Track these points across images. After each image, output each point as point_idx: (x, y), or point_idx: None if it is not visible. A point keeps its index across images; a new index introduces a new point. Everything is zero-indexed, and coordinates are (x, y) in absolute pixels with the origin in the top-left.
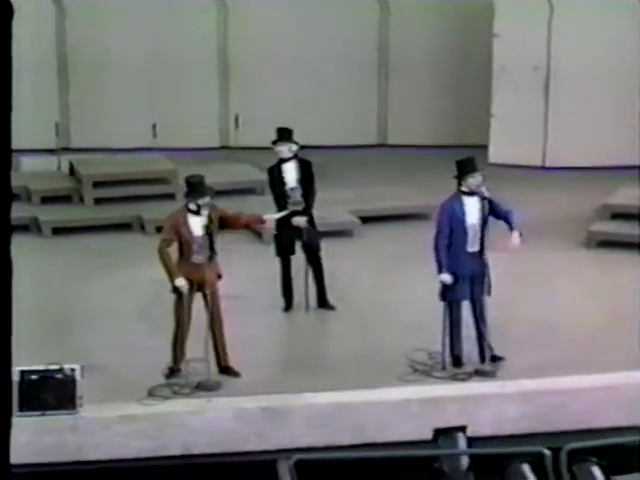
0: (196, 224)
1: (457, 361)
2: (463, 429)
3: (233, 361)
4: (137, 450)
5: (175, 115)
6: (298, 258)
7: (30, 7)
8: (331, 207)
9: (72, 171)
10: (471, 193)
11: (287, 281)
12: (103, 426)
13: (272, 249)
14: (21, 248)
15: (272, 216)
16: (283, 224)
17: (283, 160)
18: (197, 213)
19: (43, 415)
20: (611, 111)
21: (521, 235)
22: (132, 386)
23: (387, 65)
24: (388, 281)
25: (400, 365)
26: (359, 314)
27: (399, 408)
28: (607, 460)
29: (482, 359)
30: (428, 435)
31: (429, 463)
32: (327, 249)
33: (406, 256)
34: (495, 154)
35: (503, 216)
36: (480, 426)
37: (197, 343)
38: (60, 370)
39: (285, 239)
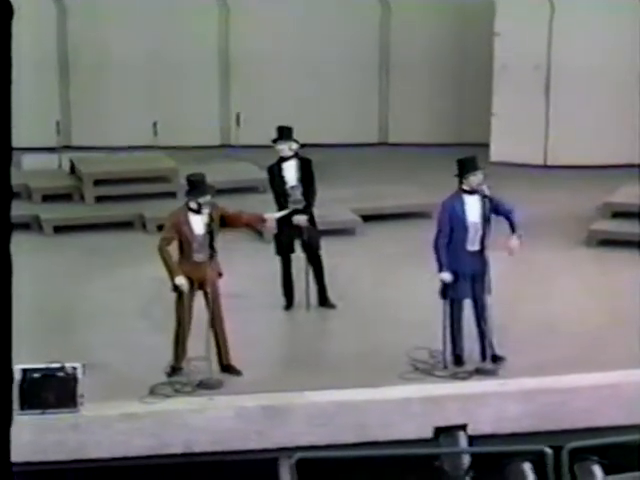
0: (197, 223)
1: (458, 360)
2: (464, 428)
3: (234, 359)
4: (138, 448)
5: (176, 113)
6: (299, 257)
7: (31, 7)
8: (332, 205)
9: (73, 169)
10: (472, 192)
11: (288, 280)
12: (104, 424)
13: (272, 247)
14: (22, 247)
15: (273, 215)
16: (283, 223)
17: (283, 159)
18: (198, 212)
19: (44, 413)
20: (612, 110)
21: (520, 237)
22: (133, 384)
23: (388, 64)
24: (389, 279)
25: (401, 364)
26: (360, 312)
27: (400, 406)
28: (608, 459)
29: (483, 358)
30: (429, 433)
31: (430, 461)
32: (328, 247)
33: (407, 254)
34: (496, 152)
35: (505, 214)
36: (481, 425)
37: (199, 341)
38: (61, 368)
39: (285, 238)
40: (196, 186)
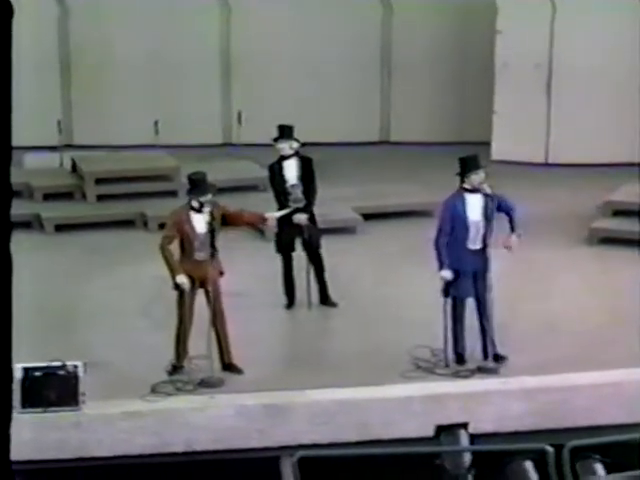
0: (199, 221)
1: (460, 358)
2: (465, 426)
3: (236, 358)
4: (140, 447)
5: (177, 112)
6: (300, 256)
7: (33, 7)
8: (334, 204)
9: (74, 168)
10: (474, 190)
11: (289, 278)
12: (106, 423)
13: (273, 246)
14: (23, 245)
15: (274, 214)
16: (284, 221)
17: (284, 157)
18: (200, 210)
19: (46, 412)
20: (613, 109)
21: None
22: (135, 383)
23: (390, 63)
24: (390, 278)
25: (403, 362)
26: (361, 311)
27: (402, 405)
28: (610, 457)
29: (485, 356)
30: (430, 432)
31: (431, 460)
32: (330, 246)
33: (408, 253)
34: (498, 151)
35: (506, 211)
36: (482, 423)
37: (200, 340)
38: (63, 367)
39: (286, 236)
40: (197, 185)
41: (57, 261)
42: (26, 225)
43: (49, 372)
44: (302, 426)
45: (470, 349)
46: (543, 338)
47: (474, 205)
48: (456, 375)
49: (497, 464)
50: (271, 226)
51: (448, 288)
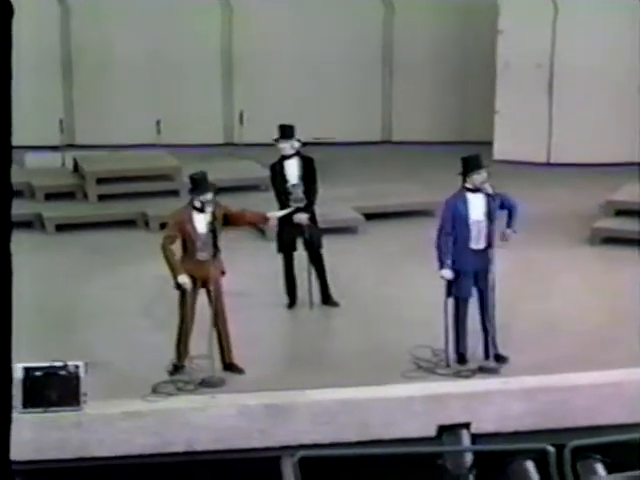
0: (200, 221)
1: (461, 358)
2: (467, 426)
3: (237, 358)
4: (141, 447)
5: (179, 112)
6: (301, 255)
7: (35, 6)
8: (335, 204)
9: (76, 168)
10: (476, 190)
11: (290, 278)
12: (107, 423)
13: (275, 246)
14: (24, 245)
15: (275, 214)
16: (285, 221)
17: (285, 157)
18: (201, 210)
19: (47, 412)
20: (614, 108)
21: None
22: (136, 383)
23: (391, 63)
24: (392, 278)
25: (404, 362)
26: (363, 311)
27: (403, 405)
28: (610, 457)
29: (486, 356)
30: (432, 432)
31: (433, 460)
32: (331, 246)
33: (410, 253)
34: (499, 151)
35: (508, 208)
36: (484, 423)
37: (201, 340)
38: (64, 367)
39: (287, 236)
40: (199, 184)
41: (58, 261)
42: (27, 225)
43: (50, 372)
44: (303, 426)
45: (471, 349)
46: (544, 338)
47: (476, 205)
48: (457, 375)
49: (498, 464)
50: (272, 225)
51: (450, 288)
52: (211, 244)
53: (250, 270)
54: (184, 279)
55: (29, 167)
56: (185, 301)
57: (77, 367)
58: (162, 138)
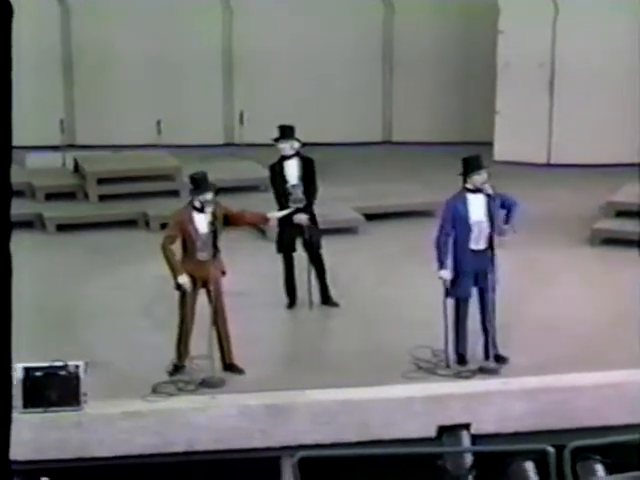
0: (201, 221)
1: (461, 359)
2: (467, 426)
3: (237, 358)
4: (141, 447)
5: (179, 112)
6: (301, 256)
7: (35, 6)
8: (335, 204)
9: (77, 168)
10: (476, 190)
11: (290, 278)
12: (107, 423)
13: (274, 246)
14: (25, 245)
15: (275, 214)
16: (285, 221)
17: (285, 157)
18: (202, 210)
19: (47, 412)
20: (615, 109)
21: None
22: (136, 383)
23: (392, 62)
24: (392, 278)
25: (404, 362)
26: (363, 311)
27: (403, 405)
28: (611, 458)
29: (487, 356)
30: (432, 432)
31: (433, 460)
32: (331, 246)
33: (410, 253)
34: (500, 151)
35: (508, 207)
36: (484, 423)
37: (201, 340)
38: (64, 367)
39: (286, 236)
40: (199, 184)
41: (59, 261)
42: (28, 225)
43: (50, 372)
44: (303, 426)
45: (471, 349)
46: (544, 338)
47: (476, 205)
48: (457, 375)
49: (498, 465)
50: (272, 226)
51: (450, 288)
52: (211, 244)
53: (250, 270)
54: (184, 279)
55: (30, 167)
56: (185, 301)
57: (77, 367)
58: (162, 138)
